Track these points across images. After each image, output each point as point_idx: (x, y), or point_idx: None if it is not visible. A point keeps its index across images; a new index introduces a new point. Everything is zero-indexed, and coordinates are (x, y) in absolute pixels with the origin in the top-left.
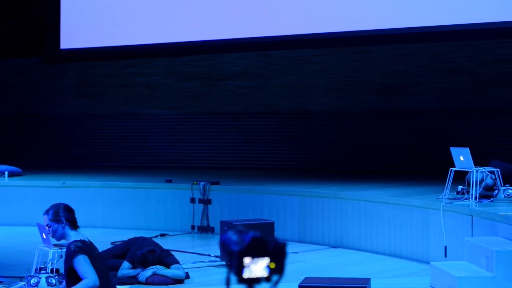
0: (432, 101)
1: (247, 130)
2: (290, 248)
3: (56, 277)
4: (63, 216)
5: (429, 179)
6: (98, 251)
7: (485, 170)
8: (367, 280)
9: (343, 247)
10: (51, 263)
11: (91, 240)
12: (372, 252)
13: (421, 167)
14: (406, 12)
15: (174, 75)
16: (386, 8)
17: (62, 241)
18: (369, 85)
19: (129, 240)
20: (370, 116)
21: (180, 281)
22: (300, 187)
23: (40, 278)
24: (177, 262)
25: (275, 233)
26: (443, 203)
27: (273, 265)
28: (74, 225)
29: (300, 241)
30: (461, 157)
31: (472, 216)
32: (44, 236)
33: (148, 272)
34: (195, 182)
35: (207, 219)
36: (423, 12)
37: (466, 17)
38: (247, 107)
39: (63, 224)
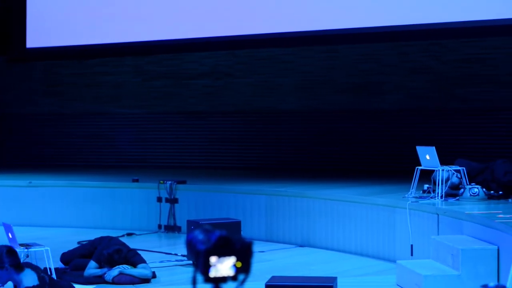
0: (398, 100)
1: (214, 129)
2: (257, 247)
3: None
4: (6, 262)
5: (395, 177)
6: (48, 277)
7: (451, 168)
8: (334, 279)
9: (310, 246)
10: None
11: (43, 273)
12: (339, 251)
13: (388, 166)
14: (373, 11)
15: (141, 74)
16: (353, 7)
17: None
18: (336, 84)
19: (96, 239)
20: (338, 115)
21: (146, 280)
22: (267, 186)
23: None
24: (143, 261)
25: (241, 232)
26: (409, 201)
27: (239, 264)
28: (19, 268)
29: (267, 240)
30: (427, 156)
31: (438, 214)
32: (10, 236)
33: (115, 271)
34: (161, 181)
35: (174, 218)
36: (390, 12)
37: (432, 16)
38: (214, 106)
39: (7, 270)
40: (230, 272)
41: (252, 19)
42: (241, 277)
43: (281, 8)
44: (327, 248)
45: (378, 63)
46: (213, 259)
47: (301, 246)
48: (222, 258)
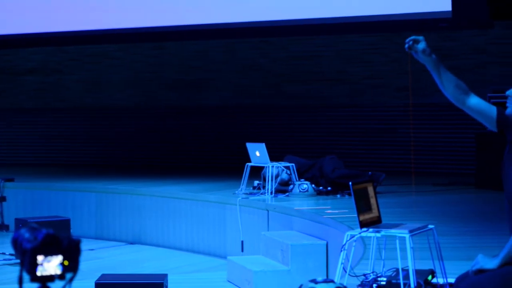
0: (228, 96)
1: (44, 126)
2: (87, 245)
3: None
4: None
5: (226, 174)
6: None
7: (280, 165)
8: (164, 276)
9: (140, 243)
10: None
11: None
12: (169, 248)
13: (218, 163)
14: (202, 9)
15: None
16: (181, 4)
17: None
18: (166, 80)
19: None
20: (168, 111)
21: None
22: (96, 184)
23: None
24: None
25: (71, 230)
26: (240, 198)
27: (67, 263)
28: None
29: (97, 238)
30: (257, 153)
31: (268, 210)
32: None
33: None
34: None
35: (2, 216)
36: (219, 9)
37: (259, 14)
38: (44, 103)
39: None
40: (58, 271)
41: (81, 15)
42: (68, 275)
43: (110, 5)
44: (158, 245)
45: (208, 60)
46: (39, 258)
47: (131, 243)
48: (49, 257)
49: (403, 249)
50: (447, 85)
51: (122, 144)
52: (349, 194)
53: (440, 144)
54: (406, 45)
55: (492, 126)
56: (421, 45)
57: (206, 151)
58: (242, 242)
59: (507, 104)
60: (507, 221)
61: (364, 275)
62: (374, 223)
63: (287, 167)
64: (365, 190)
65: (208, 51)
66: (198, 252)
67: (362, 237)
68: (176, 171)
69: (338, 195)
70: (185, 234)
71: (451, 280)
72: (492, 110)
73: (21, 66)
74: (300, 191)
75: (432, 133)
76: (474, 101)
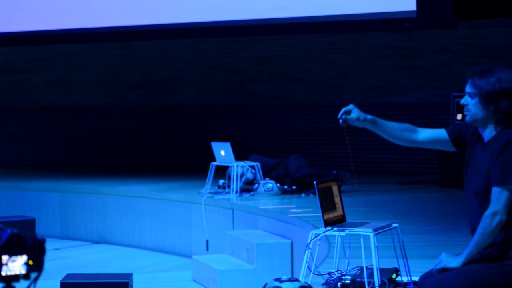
0: (194, 96)
1: (11, 126)
2: (52, 244)
3: None
4: None
5: (191, 174)
6: None
7: (245, 164)
8: (130, 275)
9: (106, 242)
10: None
11: None
12: (135, 247)
13: (184, 162)
14: (167, 8)
15: None
16: (147, 4)
17: None
18: (132, 80)
19: None
20: (134, 111)
21: None
22: (61, 183)
23: None
24: None
25: (36, 229)
26: (205, 197)
27: (31, 262)
28: None
29: (62, 237)
30: (222, 152)
31: (233, 209)
32: None
33: None
34: None
35: None
36: (185, 8)
37: (224, 14)
38: (11, 103)
39: None
40: (22, 270)
41: (47, 15)
42: (33, 275)
43: (76, 4)
44: (123, 245)
45: (173, 59)
46: (4, 258)
47: (97, 243)
48: (13, 257)
49: (368, 248)
50: (393, 134)
51: (89, 144)
52: (314, 193)
53: None
54: (340, 120)
55: (450, 148)
56: (354, 114)
57: (172, 150)
58: (207, 241)
59: (465, 113)
60: (468, 221)
61: (329, 273)
62: (339, 222)
63: (252, 167)
64: (329, 189)
65: (174, 50)
66: (164, 252)
67: (326, 236)
68: (141, 170)
69: (303, 194)
70: (150, 234)
71: (415, 278)
72: (443, 133)
73: None
74: (265, 190)
75: None
76: (424, 134)
